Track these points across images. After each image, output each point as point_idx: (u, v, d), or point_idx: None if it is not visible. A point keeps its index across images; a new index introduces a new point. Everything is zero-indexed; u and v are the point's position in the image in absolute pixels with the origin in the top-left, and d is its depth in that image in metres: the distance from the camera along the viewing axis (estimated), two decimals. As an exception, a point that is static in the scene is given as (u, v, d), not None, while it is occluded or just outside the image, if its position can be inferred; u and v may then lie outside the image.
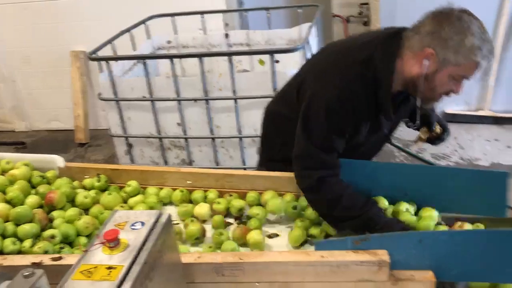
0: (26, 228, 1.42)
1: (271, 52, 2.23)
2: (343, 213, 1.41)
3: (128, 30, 2.87)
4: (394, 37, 1.41)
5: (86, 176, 1.76)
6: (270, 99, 1.78)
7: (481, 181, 1.43)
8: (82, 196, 1.62)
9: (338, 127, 1.42)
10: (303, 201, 1.54)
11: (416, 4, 3.58)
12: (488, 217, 1.48)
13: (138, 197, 1.65)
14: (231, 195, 1.63)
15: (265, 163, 1.79)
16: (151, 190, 1.68)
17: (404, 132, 3.79)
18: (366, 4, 7.31)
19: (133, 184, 1.68)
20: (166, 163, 2.66)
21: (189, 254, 1.26)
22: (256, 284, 1.22)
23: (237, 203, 1.57)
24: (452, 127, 3.70)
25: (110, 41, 2.69)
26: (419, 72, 1.35)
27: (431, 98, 1.42)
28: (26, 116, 4.58)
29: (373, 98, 1.42)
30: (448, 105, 3.90)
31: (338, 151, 1.45)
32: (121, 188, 1.73)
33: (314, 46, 2.60)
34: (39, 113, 4.55)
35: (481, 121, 3.80)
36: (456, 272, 1.17)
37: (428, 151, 3.50)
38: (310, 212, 1.51)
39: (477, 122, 3.81)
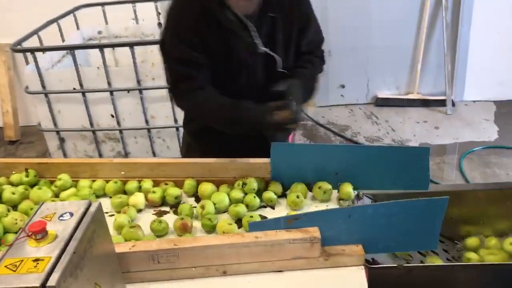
0: None
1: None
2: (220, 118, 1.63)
3: (55, 20, 2.76)
4: None
5: (13, 172, 1.69)
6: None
7: (405, 157, 1.50)
8: (9, 192, 1.55)
9: (184, 38, 1.55)
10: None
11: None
12: (413, 191, 1.56)
13: (70, 191, 1.60)
14: (166, 184, 1.62)
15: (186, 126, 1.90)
16: (84, 182, 1.64)
17: (340, 118, 3.92)
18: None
19: (64, 177, 1.63)
20: (100, 156, 2.60)
21: (123, 244, 1.25)
22: (192, 269, 1.23)
23: (173, 191, 1.56)
24: (384, 111, 3.90)
25: (35, 32, 2.58)
26: None
27: None
28: None
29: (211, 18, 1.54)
30: (380, 90, 4.06)
31: (198, 65, 1.58)
32: (51, 182, 1.67)
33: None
34: (-38, 111, 4.29)
35: (410, 104, 3.99)
36: (383, 244, 1.24)
37: (362, 135, 3.64)
38: (249, 199, 1.52)
39: (407, 106, 3.99)
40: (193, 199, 1.62)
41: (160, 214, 1.55)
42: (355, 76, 4.02)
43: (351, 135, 3.64)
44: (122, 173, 1.66)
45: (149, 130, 2.52)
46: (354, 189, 1.51)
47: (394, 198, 1.56)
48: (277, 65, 1.66)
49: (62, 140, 2.59)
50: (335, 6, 3.77)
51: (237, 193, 1.53)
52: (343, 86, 4.06)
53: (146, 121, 2.50)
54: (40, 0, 3.67)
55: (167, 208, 1.57)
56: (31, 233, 0.97)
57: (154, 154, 2.59)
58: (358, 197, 1.57)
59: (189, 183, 1.61)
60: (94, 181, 1.65)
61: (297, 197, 1.47)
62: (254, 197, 1.50)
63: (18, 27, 3.74)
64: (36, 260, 0.92)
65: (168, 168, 1.65)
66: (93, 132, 2.55)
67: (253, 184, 1.53)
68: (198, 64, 1.58)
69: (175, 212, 1.54)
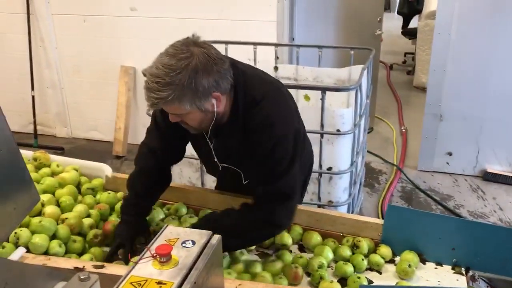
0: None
1: (324, 89, 2.24)
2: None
3: (182, 51, 2.94)
4: None
5: (131, 188, 1.78)
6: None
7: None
8: None
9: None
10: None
11: (467, 63, 3.59)
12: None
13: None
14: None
15: None
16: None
17: (443, 186, 3.72)
18: (412, 54, 7.34)
19: (179, 206, 1.69)
20: (203, 185, 2.66)
21: (230, 280, 1.25)
22: (295, 320, 1.19)
23: (282, 237, 1.55)
24: (493, 187, 3.65)
25: (164, 61, 2.75)
26: None
27: None
28: (68, 123, 4.70)
29: None
30: (490, 164, 3.82)
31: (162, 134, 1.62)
32: (164, 204, 1.74)
33: (364, 88, 2.60)
34: (81, 122, 4.68)
35: (523, 184, 3.70)
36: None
37: (466, 208, 3.41)
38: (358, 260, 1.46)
39: (519, 185, 3.71)
40: (296, 246, 1.60)
41: (263, 255, 1.54)
42: (465, 145, 3.82)
43: (454, 206, 3.43)
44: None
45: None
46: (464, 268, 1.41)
47: (514, 287, 1.44)
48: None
49: (170, 164, 2.70)
50: (453, 70, 3.65)
51: (345, 251, 1.48)
52: (450, 154, 3.87)
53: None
54: (164, 30, 3.96)
55: (270, 251, 1.57)
56: (156, 254, 1.00)
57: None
58: (473, 278, 1.45)
59: (296, 230, 1.59)
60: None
61: (409, 266, 1.40)
62: (363, 259, 1.45)
63: (141, 53, 4.07)
64: (160, 283, 0.95)
65: (276, 211, 1.65)
66: (201, 161, 2.62)
67: (365, 247, 1.48)
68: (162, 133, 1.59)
69: (278, 256, 1.53)
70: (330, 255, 1.48)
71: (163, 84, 1.25)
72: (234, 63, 1.45)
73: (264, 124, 1.41)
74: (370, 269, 1.48)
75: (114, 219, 1.60)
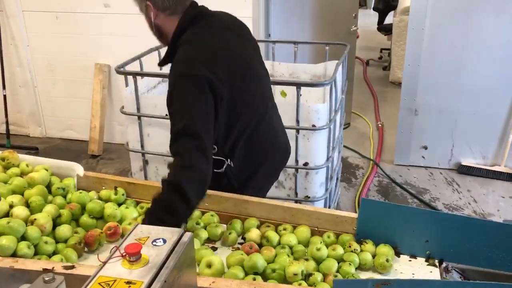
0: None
1: (299, 85, 2.24)
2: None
3: (157, 48, 2.90)
4: None
5: (103, 187, 1.74)
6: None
7: (507, 235, 1.39)
8: (112, 209, 1.60)
9: None
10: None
11: (441, 57, 3.64)
12: (509, 273, 1.43)
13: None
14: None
15: None
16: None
17: (419, 180, 3.76)
18: (388, 49, 7.41)
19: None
20: (179, 183, 2.64)
21: (204, 278, 1.24)
22: (270, 316, 1.19)
23: (273, 235, 1.54)
24: (467, 179, 3.71)
25: (138, 57, 2.71)
26: None
27: None
28: (42, 122, 4.62)
29: None
30: (465, 157, 3.88)
31: None
32: (138, 203, 1.71)
33: (339, 83, 2.61)
34: (55, 121, 4.60)
35: (496, 176, 3.77)
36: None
37: (441, 201, 3.46)
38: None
39: (492, 177, 3.77)
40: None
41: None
42: (440, 139, 3.88)
43: (429, 199, 3.47)
44: (206, 204, 1.66)
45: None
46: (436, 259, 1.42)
47: (486, 277, 1.46)
48: None
49: (146, 162, 2.66)
50: (428, 64, 3.70)
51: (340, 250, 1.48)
52: (425, 148, 3.93)
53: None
54: (138, 27, 3.89)
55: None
56: (125, 254, 0.98)
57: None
58: (446, 270, 1.47)
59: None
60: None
61: (387, 260, 1.40)
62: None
63: (116, 50, 4.01)
64: (129, 282, 0.93)
65: (251, 207, 1.65)
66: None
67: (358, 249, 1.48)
68: None
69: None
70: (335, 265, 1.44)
71: None
72: (206, 11, 1.74)
73: (174, 63, 1.57)
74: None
75: (97, 229, 1.56)
